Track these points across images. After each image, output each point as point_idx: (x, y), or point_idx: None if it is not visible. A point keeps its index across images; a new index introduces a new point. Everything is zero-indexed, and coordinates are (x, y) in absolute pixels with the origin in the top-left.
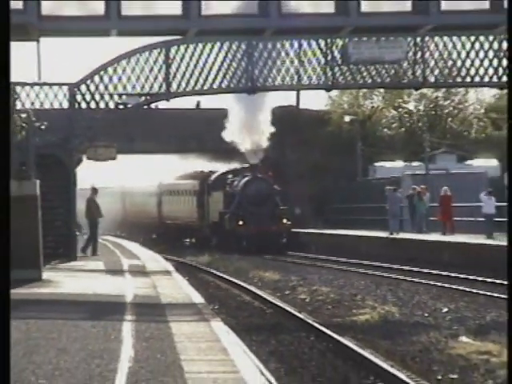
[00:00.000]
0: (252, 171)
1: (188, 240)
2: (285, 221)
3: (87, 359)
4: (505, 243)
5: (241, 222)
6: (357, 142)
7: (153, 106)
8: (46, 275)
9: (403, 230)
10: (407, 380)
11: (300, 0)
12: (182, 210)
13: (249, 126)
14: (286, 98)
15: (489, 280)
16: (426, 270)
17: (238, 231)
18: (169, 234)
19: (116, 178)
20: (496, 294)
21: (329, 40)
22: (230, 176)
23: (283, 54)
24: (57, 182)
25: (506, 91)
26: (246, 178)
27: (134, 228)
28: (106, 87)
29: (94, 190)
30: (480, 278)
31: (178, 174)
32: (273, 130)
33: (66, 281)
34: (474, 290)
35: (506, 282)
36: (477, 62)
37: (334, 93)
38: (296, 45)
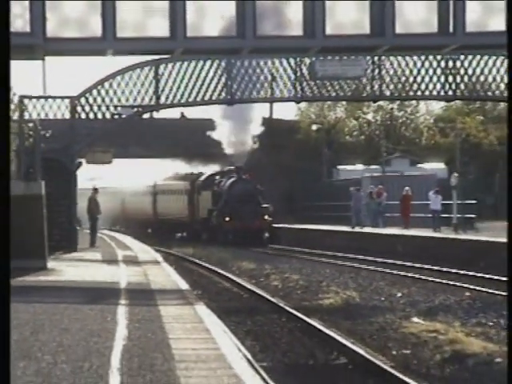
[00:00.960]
0: (237, 173)
1: (180, 234)
2: (266, 217)
3: (86, 338)
4: (449, 236)
5: (227, 219)
6: (322, 147)
7: (144, 116)
8: (50, 264)
9: (364, 224)
10: (366, 355)
11: (273, 23)
12: (175, 208)
13: (235, 134)
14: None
15: (435, 268)
16: (382, 260)
17: (224, 226)
18: (163, 228)
19: (114, 179)
20: (444, 281)
21: (298, 59)
22: (217, 177)
23: (258, 70)
24: (60, 182)
25: (477, 103)
26: (232, 179)
27: (132, 223)
28: (103, 100)
29: (95, 190)
30: (427, 267)
31: (170, 176)
32: (254, 137)
33: (68, 269)
34: (424, 277)
35: (453, 270)
36: (426, 78)
37: (303, 105)
38: (269, 63)
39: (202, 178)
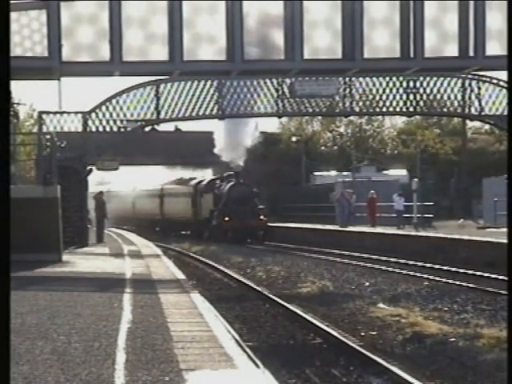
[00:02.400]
0: (236, 178)
1: (184, 232)
2: (262, 217)
3: (96, 321)
4: (411, 233)
5: (227, 218)
6: (301, 156)
7: (146, 129)
8: (65, 258)
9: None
10: (339, 336)
11: (258, 49)
12: (180, 209)
13: (232, 145)
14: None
15: (402, 261)
16: (353, 254)
17: (224, 225)
18: (169, 227)
19: (124, 184)
20: (404, 272)
21: (280, 79)
22: (218, 181)
23: (245, 89)
24: (73, 187)
25: (435, 118)
26: (231, 183)
27: (142, 223)
28: (111, 115)
29: (101, 193)
30: (393, 260)
31: (175, 180)
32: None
33: (80, 262)
34: (389, 269)
35: (413, 263)
36: (390, 97)
37: (284, 119)
38: (255, 83)
39: (204, 182)
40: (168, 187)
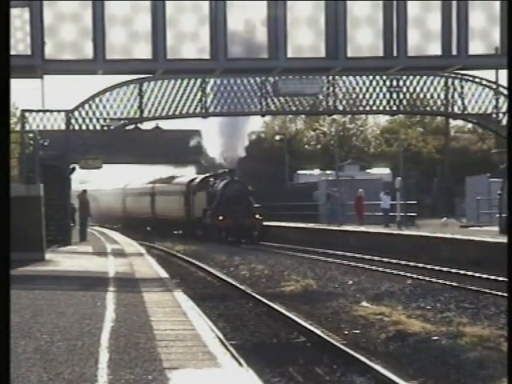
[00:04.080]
0: (230, 175)
1: (176, 232)
2: (257, 216)
3: (79, 320)
4: (394, 231)
5: (220, 217)
6: (285, 155)
7: (129, 127)
8: (48, 256)
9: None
10: (323, 335)
11: (241, 47)
12: (172, 207)
13: (226, 143)
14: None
15: (385, 260)
16: (336, 252)
17: (218, 225)
18: (161, 226)
19: (110, 182)
20: (388, 270)
21: (263, 78)
22: (211, 179)
23: (229, 88)
24: (56, 185)
25: (418, 117)
26: (225, 181)
27: (132, 222)
28: (94, 113)
29: (84, 191)
30: (377, 258)
31: (167, 178)
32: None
33: (63, 260)
34: (372, 268)
35: (403, 262)
36: (374, 95)
37: (268, 118)
38: (238, 81)
39: (198, 179)
40: (159, 185)
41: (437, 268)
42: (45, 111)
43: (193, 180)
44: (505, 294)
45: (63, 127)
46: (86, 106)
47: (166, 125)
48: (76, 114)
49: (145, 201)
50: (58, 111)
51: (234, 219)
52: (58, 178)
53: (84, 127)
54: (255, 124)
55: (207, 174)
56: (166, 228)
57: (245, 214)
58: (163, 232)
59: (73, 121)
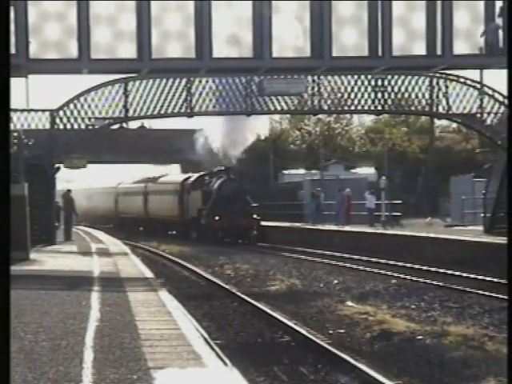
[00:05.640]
0: (226, 173)
1: (170, 232)
2: (255, 216)
3: (64, 320)
4: (378, 231)
5: (217, 218)
6: (270, 154)
7: (114, 127)
8: (32, 256)
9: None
10: (307, 334)
11: (226, 47)
12: (166, 207)
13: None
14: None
15: (373, 260)
16: (322, 252)
17: (214, 225)
18: (154, 227)
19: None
20: (375, 270)
21: (248, 77)
22: (207, 178)
23: (214, 87)
24: (41, 185)
25: (403, 116)
26: (221, 179)
27: (124, 222)
28: (79, 112)
29: (69, 191)
30: (364, 258)
31: (160, 177)
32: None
33: (48, 260)
34: (357, 267)
35: (388, 262)
36: (359, 95)
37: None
38: (224, 80)
39: (192, 178)
40: (153, 184)
41: (421, 267)
42: (29, 110)
43: (187, 179)
44: (488, 294)
45: (48, 126)
46: (71, 106)
47: (154, 124)
48: (61, 113)
49: (137, 200)
50: (43, 110)
51: (231, 219)
52: (42, 178)
53: (69, 127)
54: (234, 123)
55: (202, 173)
56: (160, 228)
57: (242, 213)
58: (156, 233)
59: (57, 120)
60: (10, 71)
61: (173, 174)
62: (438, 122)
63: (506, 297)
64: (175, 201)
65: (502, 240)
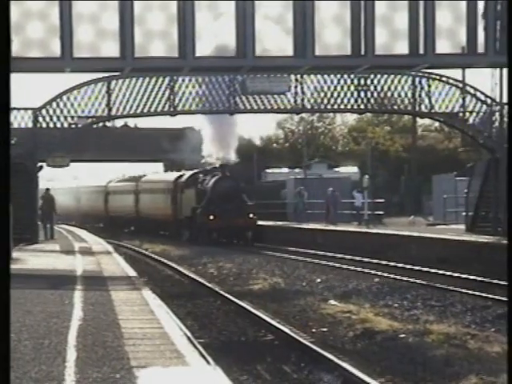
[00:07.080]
0: (221, 171)
1: (162, 232)
2: (251, 215)
3: (47, 318)
4: (362, 229)
5: (211, 217)
6: (253, 153)
7: (98, 125)
8: (15, 255)
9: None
10: (290, 333)
11: (209, 46)
12: (158, 206)
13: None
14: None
15: (353, 258)
16: (304, 251)
17: (208, 225)
18: (145, 226)
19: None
20: (359, 269)
21: (231, 76)
22: (201, 175)
23: (197, 86)
24: (24, 183)
25: (386, 115)
26: (216, 177)
27: (114, 221)
28: (62, 111)
29: (48, 190)
30: (348, 257)
31: (152, 175)
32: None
33: (31, 259)
34: (340, 266)
35: (370, 260)
36: (342, 94)
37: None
38: (207, 79)
39: (186, 176)
40: (144, 182)
41: (404, 266)
42: (12, 109)
43: (180, 176)
44: (470, 292)
45: (30, 125)
46: (54, 104)
47: (138, 123)
48: (43, 112)
49: (128, 199)
50: (25, 109)
51: (226, 219)
52: (24, 177)
53: (51, 125)
54: (218, 122)
55: (196, 170)
56: (151, 228)
57: (237, 213)
58: (148, 233)
59: (40, 119)
60: (9, 71)
61: (159, 172)
62: (420, 121)
63: (505, 298)
64: (168, 200)
65: (484, 238)
